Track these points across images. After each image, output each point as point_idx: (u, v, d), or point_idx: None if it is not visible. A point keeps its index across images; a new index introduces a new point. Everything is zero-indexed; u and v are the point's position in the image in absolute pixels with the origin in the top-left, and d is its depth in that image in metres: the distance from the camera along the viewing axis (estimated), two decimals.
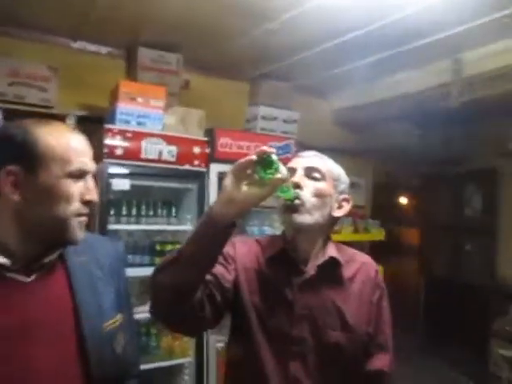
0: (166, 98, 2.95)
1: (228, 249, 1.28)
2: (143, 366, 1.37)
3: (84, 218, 1.01)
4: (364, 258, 1.37)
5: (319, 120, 4.26)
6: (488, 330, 4.03)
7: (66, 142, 0.97)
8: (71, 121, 2.74)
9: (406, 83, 3.55)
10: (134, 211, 2.90)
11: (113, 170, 2.65)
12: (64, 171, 0.96)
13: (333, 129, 4.43)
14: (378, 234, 4.33)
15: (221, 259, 1.24)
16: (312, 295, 1.23)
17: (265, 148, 0.99)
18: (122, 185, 2.66)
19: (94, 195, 1.00)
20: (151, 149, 2.78)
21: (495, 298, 4.15)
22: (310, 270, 1.25)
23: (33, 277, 0.98)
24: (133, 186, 2.74)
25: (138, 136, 2.75)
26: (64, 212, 0.96)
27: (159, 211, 3.02)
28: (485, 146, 4.66)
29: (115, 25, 2.90)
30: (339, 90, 4.17)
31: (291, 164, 1.29)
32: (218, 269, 1.21)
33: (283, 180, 1.01)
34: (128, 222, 2.88)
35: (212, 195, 2.98)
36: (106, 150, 2.62)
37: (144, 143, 2.77)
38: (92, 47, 3.24)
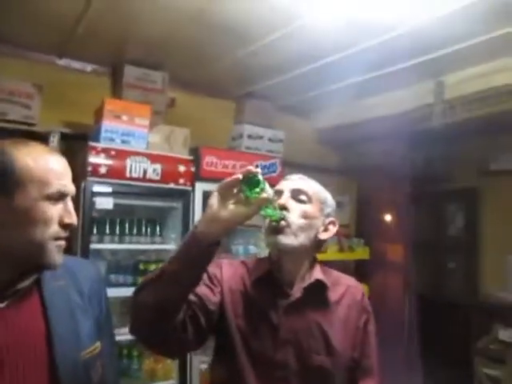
0: (151, 116, 2.94)
1: (214, 270, 1.27)
2: None
3: (63, 242, 0.98)
4: (350, 281, 1.35)
5: (302, 139, 4.29)
6: (472, 349, 4.04)
7: (44, 163, 0.95)
8: (54, 138, 2.70)
9: (389, 104, 3.60)
10: (117, 230, 2.87)
11: (96, 188, 2.61)
12: (42, 193, 0.93)
13: (316, 148, 4.46)
14: (362, 252, 4.35)
15: (206, 280, 1.23)
16: (297, 318, 1.22)
17: (251, 168, 1.01)
18: (105, 203, 2.63)
19: (73, 218, 0.98)
20: (136, 167, 2.76)
21: (478, 316, 4.17)
22: (296, 292, 1.24)
23: (5, 303, 0.94)
24: (116, 205, 2.71)
25: (122, 154, 2.73)
26: (42, 236, 0.93)
27: (143, 230, 2.99)
28: (466, 166, 4.74)
29: (100, 42, 2.89)
30: (322, 110, 4.22)
31: (278, 186, 1.29)
32: (203, 290, 1.19)
33: (268, 199, 1.03)
34: (111, 241, 2.84)
35: (197, 214, 2.96)
36: (89, 168, 2.59)
37: (128, 161, 2.74)
38: (77, 64, 3.22)
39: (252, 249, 3.42)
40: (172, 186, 2.91)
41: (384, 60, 2.96)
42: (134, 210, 3.04)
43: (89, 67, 3.26)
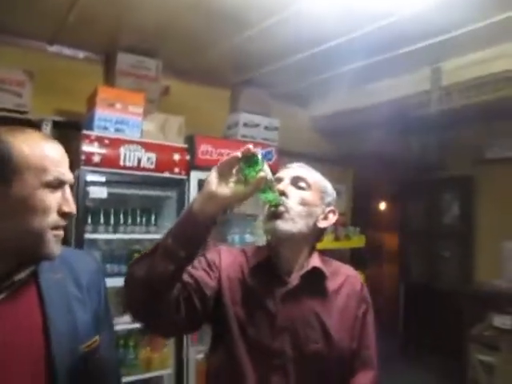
0: (145, 104, 2.90)
1: (213, 257, 1.26)
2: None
3: (61, 232, 0.96)
4: (349, 271, 1.34)
5: (298, 127, 4.27)
6: (466, 336, 4.08)
7: (41, 150, 0.93)
8: (47, 126, 2.65)
9: (385, 91, 3.58)
10: (111, 220, 2.83)
11: (90, 177, 2.57)
12: (40, 181, 0.91)
13: (312, 136, 4.44)
14: (358, 240, 4.36)
15: (205, 266, 1.22)
16: (294, 307, 1.21)
17: (250, 146, 1.00)
18: (99, 193, 2.59)
19: (72, 206, 0.96)
20: (130, 156, 2.73)
21: (472, 303, 4.20)
22: (294, 280, 1.23)
23: (1, 296, 0.92)
24: (111, 194, 2.68)
25: (116, 143, 2.69)
26: (40, 224, 0.91)
27: (138, 219, 2.96)
28: (462, 154, 4.75)
29: (93, 29, 2.84)
30: (318, 98, 4.19)
31: (278, 174, 1.28)
32: (201, 274, 1.19)
33: (266, 178, 1.01)
34: (106, 231, 2.80)
35: None
36: (83, 157, 2.55)
37: (122, 150, 2.71)
38: (68, 51, 3.16)
39: (248, 238, 3.41)
40: (167, 174, 2.88)
41: (381, 46, 2.92)
42: (128, 200, 3.00)
43: (81, 54, 3.20)
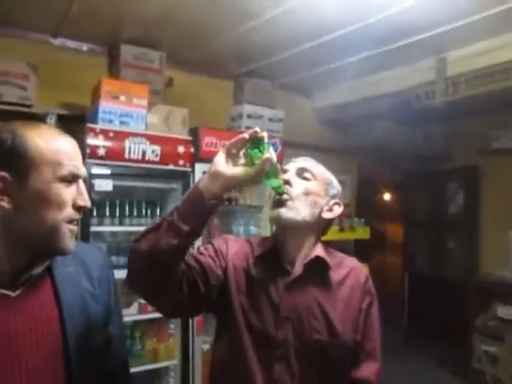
0: (149, 96, 2.89)
1: (220, 246, 1.28)
2: None
3: (75, 227, 0.97)
4: (354, 264, 1.35)
5: (302, 118, 4.25)
6: (470, 326, 4.08)
7: (56, 145, 0.94)
8: (51, 120, 2.65)
9: (390, 82, 3.56)
10: (117, 212, 2.85)
11: (95, 170, 2.58)
12: (55, 175, 0.92)
13: (316, 127, 4.43)
14: (363, 232, 4.36)
15: (212, 253, 1.25)
16: (298, 297, 1.22)
17: (257, 129, 1.04)
18: (104, 185, 2.60)
19: (86, 200, 0.97)
20: (135, 148, 2.73)
21: (477, 294, 4.20)
22: (297, 270, 1.24)
23: (19, 291, 0.94)
24: (116, 187, 2.68)
25: (120, 135, 2.69)
26: (56, 218, 0.92)
27: (143, 212, 2.97)
28: (467, 144, 4.72)
29: (96, 21, 2.83)
30: (322, 89, 4.17)
31: (284, 167, 1.31)
32: (207, 260, 1.21)
33: (271, 161, 1.04)
34: (111, 224, 2.82)
35: None
36: (88, 150, 2.56)
37: (127, 143, 2.71)
38: (72, 44, 3.15)
39: (253, 229, 3.42)
40: (171, 167, 2.88)
41: (385, 37, 2.90)
42: (133, 192, 3.01)
43: (84, 46, 3.20)
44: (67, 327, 0.97)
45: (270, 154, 1.04)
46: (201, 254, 1.23)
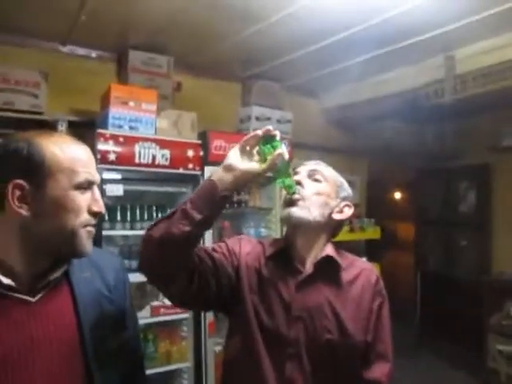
0: (158, 100, 2.92)
1: (234, 245, 1.31)
2: None
3: (92, 229, 1.00)
4: (365, 265, 1.36)
5: (311, 120, 4.25)
6: (484, 325, 4.05)
7: (71, 152, 0.96)
8: (62, 126, 2.69)
9: (398, 80, 3.55)
10: (128, 216, 2.87)
11: (106, 175, 2.61)
12: (71, 183, 0.94)
13: (325, 128, 4.42)
14: (373, 232, 4.34)
15: (225, 251, 1.27)
16: (309, 296, 1.23)
17: (270, 127, 1.10)
18: (115, 190, 2.63)
19: (101, 206, 0.99)
20: (144, 153, 2.75)
21: (491, 292, 4.16)
22: (308, 269, 1.26)
23: (38, 296, 0.96)
24: (127, 191, 2.71)
25: (130, 140, 2.72)
26: (73, 223, 0.94)
27: (154, 215, 2.99)
28: (477, 142, 4.68)
29: (104, 28, 2.86)
30: (330, 89, 4.17)
31: (295, 169, 1.33)
32: (220, 257, 1.24)
33: (283, 157, 1.09)
34: (123, 228, 2.85)
35: None
36: (98, 156, 2.58)
37: (137, 147, 2.73)
38: (81, 51, 3.20)
39: (263, 231, 3.43)
40: (181, 170, 2.90)
41: (392, 36, 2.90)
42: (143, 196, 3.04)
43: (93, 53, 3.24)
44: (85, 331, 0.99)
45: (282, 150, 1.08)
46: (214, 250, 1.25)
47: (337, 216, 1.30)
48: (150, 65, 3.18)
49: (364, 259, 1.42)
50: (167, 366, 2.92)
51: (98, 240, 2.57)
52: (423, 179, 5.73)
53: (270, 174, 1.16)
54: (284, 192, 1.26)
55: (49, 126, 2.62)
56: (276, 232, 3.32)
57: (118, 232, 2.86)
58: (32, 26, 2.82)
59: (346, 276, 1.28)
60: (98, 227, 2.59)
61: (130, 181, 2.74)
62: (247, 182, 1.12)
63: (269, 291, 1.24)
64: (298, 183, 1.25)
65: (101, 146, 2.61)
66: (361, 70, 3.48)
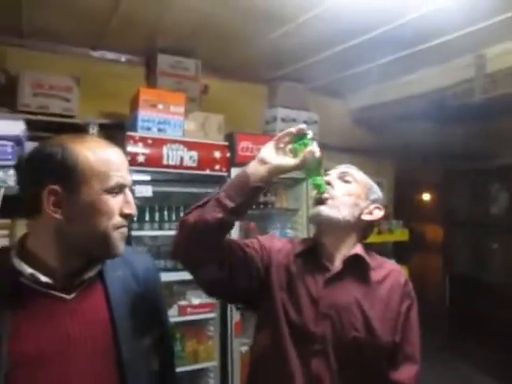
0: (186, 103, 2.97)
1: (265, 241, 1.34)
2: None
3: (125, 230, 1.02)
4: (393, 266, 1.36)
5: (337, 121, 4.22)
6: None
7: (104, 157, 0.98)
8: (93, 129, 2.76)
9: (424, 81, 3.49)
10: (156, 217, 2.93)
11: (135, 177, 2.66)
12: (104, 187, 0.96)
13: (351, 129, 4.39)
14: (401, 234, 4.30)
15: (257, 246, 1.31)
16: (337, 293, 1.24)
17: (303, 126, 1.15)
18: (144, 191, 2.68)
19: (132, 208, 1.01)
20: (172, 155, 2.81)
21: None
22: (336, 266, 1.27)
23: (74, 294, 0.98)
24: (155, 192, 2.76)
25: (159, 142, 2.78)
26: (106, 226, 0.96)
27: (181, 216, 3.03)
28: (507, 142, 4.56)
29: (133, 32, 2.92)
30: (357, 90, 4.13)
31: (327, 171, 1.37)
32: (251, 251, 1.27)
33: (314, 154, 1.13)
34: (151, 228, 2.91)
35: None
36: (128, 158, 2.64)
37: (165, 149, 2.79)
38: (111, 55, 3.28)
39: (289, 232, 3.44)
40: (208, 172, 2.94)
41: (420, 36, 2.85)
42: (171, 197, 3.09)
43: (123, 58, 3.31)
44: (118, 329, 1.00)
45: (314, 148, 1.13)
46: (246, 245, 1.29)
47: (366, 217, 1.31)
48: (177, 68, 3.23)
49: (393, 261, 1.41)
50: (194, 365, 2.96)
51: (127, 240, 2.62)
52: (452, 180, 5.63)
53: (300, 172, 1.20)
54: (314, 192, 1.29)
55: (80, 129, 2.70)
56: (302, 233, 3.32)
57: (147, 232, 2.92)
58: (64, 32, 2.90)
59: (375, 276, 1.28)
60: (128, 228, 2.65)
61: (158, 182, 2.79)
62: (279, 176, 1.15)
63: (297, 287, 1.26)
64: (328, 183, 1.28)
65: (130, 148, 2.67)
66: (388, 70, 3.45)
